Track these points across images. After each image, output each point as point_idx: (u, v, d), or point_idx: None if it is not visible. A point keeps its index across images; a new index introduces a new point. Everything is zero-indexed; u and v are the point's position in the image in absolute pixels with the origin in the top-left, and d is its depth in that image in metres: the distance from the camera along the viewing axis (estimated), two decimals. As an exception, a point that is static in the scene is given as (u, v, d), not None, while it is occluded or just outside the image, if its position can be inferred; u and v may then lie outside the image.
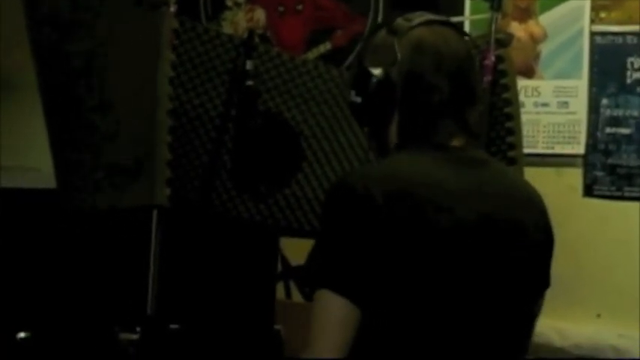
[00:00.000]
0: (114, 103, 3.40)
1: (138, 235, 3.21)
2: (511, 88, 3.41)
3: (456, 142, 2.02)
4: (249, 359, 3.34)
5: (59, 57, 3.46)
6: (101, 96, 3.41)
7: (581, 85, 4.06)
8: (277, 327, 3.42)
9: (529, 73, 4.14)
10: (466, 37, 2.11)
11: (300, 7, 4.55)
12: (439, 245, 1.87)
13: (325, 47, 4.48)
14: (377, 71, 2.01)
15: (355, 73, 2.09)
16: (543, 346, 3.80)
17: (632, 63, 3.98)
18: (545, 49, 4.13)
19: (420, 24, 2.03)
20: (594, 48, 4.04)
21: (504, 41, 3.43)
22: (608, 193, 4.01)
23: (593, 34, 4.04)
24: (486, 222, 1.94)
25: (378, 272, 1.83)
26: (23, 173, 3.74)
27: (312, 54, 4.46)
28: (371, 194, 1.85)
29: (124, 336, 3.08)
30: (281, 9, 4.58)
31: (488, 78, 3.34)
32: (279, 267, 3.86)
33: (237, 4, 4.64)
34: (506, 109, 3.40)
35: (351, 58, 4.33)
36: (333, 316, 1.84)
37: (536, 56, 4.14)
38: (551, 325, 3.87)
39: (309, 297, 1.90)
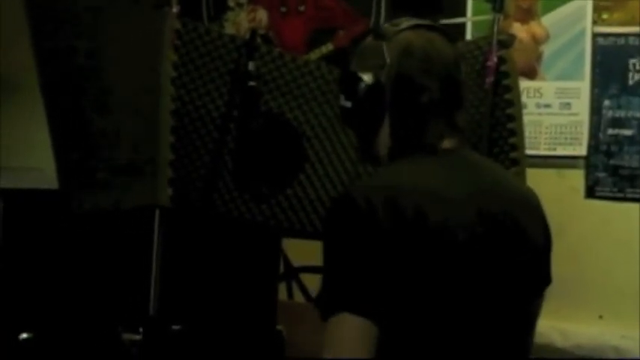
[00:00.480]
0: (116, 103, 3.40)
1: (140, 236, 3.21)
2: (513, 89, 3.41)
3: (448, 144, 2.03)
4: (251, 360, 3.35)
5: (61, 57, 3.46)
6: (103, 96, 3.42)
7: (583, 86, 4.06)
8: (279, 327, 3.42)
9: (531, 74, 4.14)
10: (453, 42, 2.11)
11: (302, 7, 4.56)
12: (443, 252, 1.88)
13: (327, 48, 4.48)
14: (366, 75, 2.02)
15: (344, 78, 2.10)
16: (546, 347, 3.80)
17: (634, 64, 3.98)
18: (547, 50, 4.13)
19: (408, 28, 2.05)
20: (596, 49, 4.04)
21: (506, 42, 3.43)
22: (610, 195, 4.01)
23: (595, 35, 4.05)
24: (487, 225, 1.95)
25: (389, 286, 1.83)
26: (25, 174, 3.74)
27: (314, 54, 4.46)
28: (374, 207, 1.85)
29: (127, 336, 3.08)
30: (283, 9, 4.58)
31: (490, 79, 3.34)
32: (281, 268, 3.86)
33: (240, 5, 4.64)
34: (509, 111, 3.40)
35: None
36: (357, 337, 1.83)
37: (539, 57, 4.14)
38: (554, 326, 3.87)
39: (324, 320, 1.88)
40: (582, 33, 4.06)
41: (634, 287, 3.88)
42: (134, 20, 3.40)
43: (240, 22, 4.63)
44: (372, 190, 1.91)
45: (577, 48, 4.06)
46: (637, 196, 3.96)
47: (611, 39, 4.02)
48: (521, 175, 3.35)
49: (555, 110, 4.11)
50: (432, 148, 2.01)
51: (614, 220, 4.00)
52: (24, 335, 3.15)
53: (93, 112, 3.45)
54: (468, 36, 4.13)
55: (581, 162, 4.06)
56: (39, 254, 3.31)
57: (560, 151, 4.09)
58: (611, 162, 4.00)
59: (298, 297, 4.00)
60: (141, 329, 3.09)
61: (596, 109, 4.03)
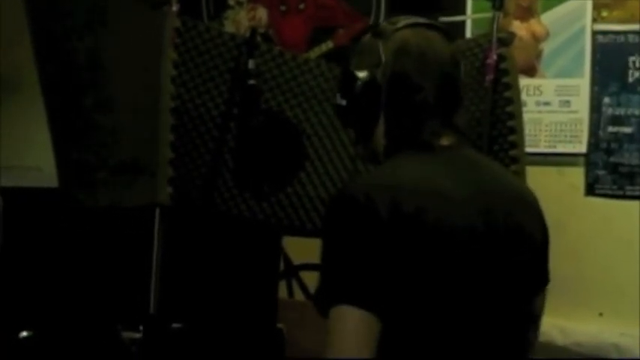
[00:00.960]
0: (116, 102, 3.40)
1: (140, 234, 3.21)
2: (513, 86, 3.41)
3: (445, 141, 2.02)
4: (252, 358, 3.34)
5: (61, 56, 3.47)
6: (103, 95, 3.42)
7: (583, 83, 4.06)
8: (279, 326, 3.42)
9: (531, 71, 4.14)
10: (451, 40, 2.11)
11: (302, 5, 4.55)
12: (442, 248, 1.88)
13: (327, 46, 4.48)
14: (362, 74, 2.02)
15: (341, 76, 2.10)
16: (545, 345, 3.80)
17: (634, 62, 3.98)
18: (547, 47, 4.13)
19: (405, 26, 2.04)
20: (596, 47, 4.04)
21: (506, 40, 3.43)
22: (610, 192, 4.01)
23: (594, 32, 4.04)
24: (485, 222, 1.95)
25: (389, 279, 1.83)
26: (25, 172, 3.74)
27: (314, 53, 4.46)
28: (373, 203, 1.85)
29: (127, 335, 3.08)
30: (283, 8, 4.58)
31: (490, 77, 3.34)
32: (282, 266, 3.86)
33: (239, 3, 4.64)
34: (508, 108, 3.40)
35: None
36: (357, 330, 1.83)
37: (538, 55, 4.14)
38: (554, 324, 3.87)
39: (324, 315, 1.87)
40: (582, 31, 4.06)
41: (634, 285, 3.89)
42: (134, 19, 3.41)
43: (240, 20, 4.63)
44: (371, 186, 1.91)
45: (577, 46, 4.06)
46: (637, 193, 3.96)
47: (611, 36, 4.02)
48: (521, 173, 3.35)
49: (555, 108, 4.11)
50: (428, 146, 2.00)
51: (614, 218, 4.00)
52: (24, 333, 3.15)
53: (93, 111, 3.46)
54: (468, 34, 4.13)
55: (581, 159, 4.06)
56: (39, 253, 3.31)
57: (560, 149, 4.09)
58: (611, 159, 4.00)
59: (298, 295, 4.00)
60: (141, 327, 3.09)
61: (595, 107, 4.03)
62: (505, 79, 3.40)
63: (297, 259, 3.96)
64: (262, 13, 4.62)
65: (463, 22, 4.13)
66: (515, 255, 1.98)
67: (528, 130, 3.84)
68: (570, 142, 4.07)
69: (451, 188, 1.94)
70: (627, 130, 3.99)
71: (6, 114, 4.15)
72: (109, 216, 3.30)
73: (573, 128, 4.07)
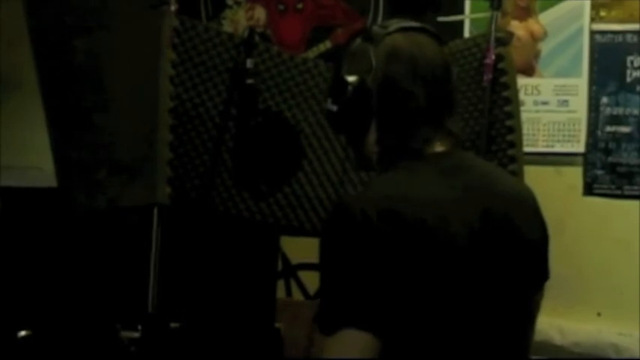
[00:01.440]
0: (115, 102, 3.40)
1: (139, 234, 3.22)
2: (511, 86, 3.41)
3: (438, 147, 2.01)
4: (250, 357, 3.34)
5: (60, 56, 3.47)
6: (102, 95, 3.42)
7: (581, 83, 4.06)
8: (278, 325, 3.43)
9: (529, 71, 4.14)
10: (444, 45, 2.08)
11: (300, 5, 4.56)
12: (442, 259, 1.87)
13: (325, 46, 4.48)
14: (352, 79, 2.00)
15: (332, 81, 2.09)
16: (544, 345, 3.80)
17: (632, 61, 3.98)
18: (545, 47, 4.13)
19: (396, 31, 2.02)
20: (594, 46, 4.04)
21: (504, 40, 3.44)
22: (608, 192, 4.01)
23: (593, 32, 4.04)
24: (484, 228, 1.93)
25: (390, 297, 1.82)
26: (24, 172, 3.74)
27: (312, 52, 4.46)
28: (369, 220, 1.83)
29: (125, 334, 3.08)
30: (281, 7, 4.58)
31: (488, 76, 3.35)
32: (280, 265, 3.86)
33: (238, 3, 4.64)
34: (506, 108, 3.41)
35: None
36: (362, 353, 1.81)
37: (536, 55, 4.14)
38: (552, 324, 3.87)
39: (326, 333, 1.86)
40: (580, 30, 4.06)
41: (632, 285, 3.88)
42: (132, 19, 3.41)
43: (239, 20, 4.63)
44: (367, 201, 1.88)
45: (575, 45, 4.06)
46: (635, 193, 3.96)
47: (609, 36, 4.02)
48: (519, 173, 3.36)
49: (553, 107, 4.10)
50: (421, 153, 1.99)
51: (612, 218, 4.00)
52: (22, 333, 3.16)
53: (92, 110, 3.46)
54: (466, 33, 4.12)
55: (579, 159, 4.06)
56: (38, 252, 3.31)
57: (558, 149, 4.09)
58: (609, 159, 4.00)
59: (297, 294, 4.00)
60: (139, 327, 3.09)
61: (594, 107, 4.03)
62: (503, 79, 3.40)
63: (295, 259, 3.96)
64: (260, 13, 4.62)
65: (461, 22, 4.13)
66: (513, 257, 1.98)
67: (526, 129, 3.85)
68: (568, 141, 4.07)
69: (447, 196, 1.93)
70: (625, 129, 3.99)
71: (6, 114, 4.15)
72: (108, 215, 3.31)
73: (571, 128, 4.07)
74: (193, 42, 3.36)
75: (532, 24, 4.14)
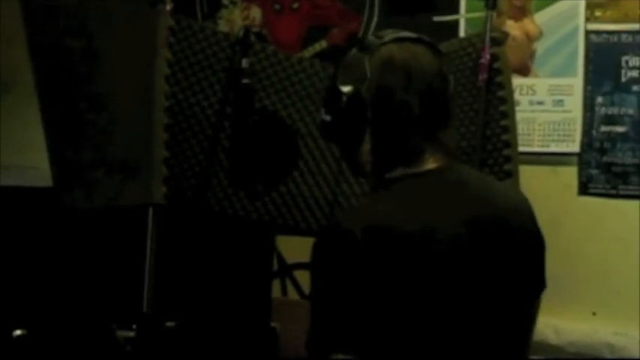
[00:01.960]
0: (110, 101, 3.40)
1: (134, 233, 3.22)
2: (506, 86, 3.41)
3: (432, 163, 2.00)
4: (246, 357, 3.35)
5: (56, 55, 3.47)
6: (97, 94, 3.42)
7: (576, 83, 4.07)
8: (273, 324, 3.43)
9: (524, 71, 4.15)
10: (439, 55, 2.07)
11: (296, 5, 4.56)
12: (429, 277, 1.86)
13: (321, 45, 4.49)
14: (347, 89, 2.00)
15: (326, 91, 2.08)
16: (539, 344, 3.81)
17: (627, 61, 3.99)
18: (540, 47, 4.14)
19: (391, 41, 2.01)
20: (589, 46, 4.05)
21: (499, 39, 3.44)
22: (603, 192, 4.02)
23: (588, 32, 4.05)
24: (472, 244, 1.92)
25: (378, 318, 1.82)
26: (21, 171, 3.74)
27: (308, 52, 4.47)
28: (356, 243, 1.83)
29: (121, 333, 3.08)
30: (277, 7, 4.59)
31: (483, 76, 3.35)
32: (275, 265, 3.87)
33: (233, 2, 4.65)
34: (502, 108, 3.41)
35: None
36: None
37: (532, 54, 4.15)
38: (547, 323, 3.88)
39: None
40: (575, 30, 4.07)
41: (628, 284, 3.89)
42: (128, 18, 3.41)
43: (234, 19, 4.64)
44: (354, 221, 1.88)
45: (570, 45, 4.07)
46: (630, 193, 3.97)
47: (604, 36, 4.03)
48: (515, 172, 3.36)
49: (548, 107, 4.11)
50: (413, 171, 1.98)
51: (608, 217, 4.01)
52: (18, 332, 3.15)
53: (87, 110, 3.46)
54: (461, 33, 4.13)
55: (575, 159, 4.07)
56: (33, 251, 3.31)
57: (554, 148, 4.10)
58: (605, 159, 4.01)
59: (292, 294, 4.01)
60: (135, 326, 3.09)
61: (589, 106, 4.04)
62: (498, 79, 3.40)
63: (290, 259, 3.97)
64: (256, 13, 4.62)
65: (456, 22, 4.14)
66: (508, 272, 1.97)
67: (522, 129, 3.86)
68: (564, 141, 4.08)
69: (437, 217, 1.92)
70: (620, 129, 4.00)
71: (4, 113, 4.16)
72: (103, 215, 3.30)
73: (567, 127, 4.08)
74: (189, 41, 3.36)
75: (527, 24, 4.15)
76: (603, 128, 4.02)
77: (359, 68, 2.00)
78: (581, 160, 4.05)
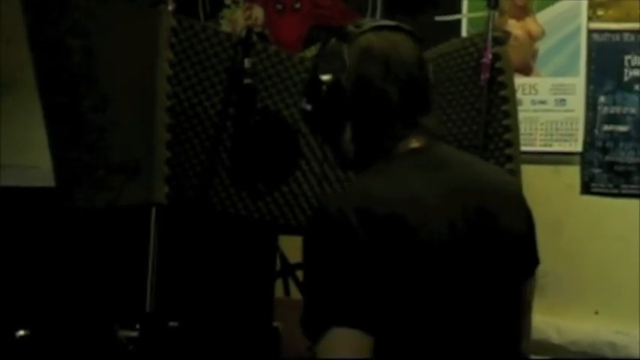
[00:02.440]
0: (112, 101, 3.40)
1: (136, 233, 3.22)
2: (508, 85, 3.42)
3: (414, 144, 2.01)
4: (248, 356, 3.35)
5: (58, 56, 3.47)
6: (100, 94, 3.42)
7: (578, 82, 4.07)
8: (276, 324, 3.43)
9: (526, 70, 4.14)
10: (419, 43, 2.06)
11: (298, 5, 4.56)
12: (423, 254, 1.86)
13: (323, 45, 4.48)
14: (326, 78, 2.01)
15: (307, 81, 2.09)
16: (541, 343, 3.81)
17: (629, 60, 3.99)
18: (542, 46, 4.14)
19: (369, 30, 2.02)
20: (592, 46, 4.05)
21: (501, 39, 3.44)
22: (605, 191, 4.02)
23: (590, 31, 4.05)
24: (462, 220, 1.93)
25: (375, 294, 1.82)
26: (23, 171, 3.74)
27: (309, 52, 4.46)
28: (348, 220, 1.83)
29: (124, 333, 3.09)
30: (279, 7, 4.59)
31: (485, 76, 3.35)
32: (278, 264, 3.86)
33: (236, 3, 4.65)
34: (504, 107, 3.41)
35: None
36: (353, 351, 1.81)
37: (534, 54, 4.15)
38: (549, 322, 3.87)
39: (313, 340, 1.86)
40: (577, 29, 4.06)
41: (630, 283, 3.89)
42: (130, 18, 3.41)
43: (236, 19, 4.64)
44: (344, 201, 1.90)
45: (572, 44, 4.07)
46: (632, 192, 3.96)
47: (606, 35, 4.02)
48: (517, 172, 3.36)
49: (551, 107, 4.11)
50: (396, 151, 1.99)
51: (610, 216, 4.01)
52: (21, 332, 3.16)
53: (89, 110, 3.46)
54: (464, 33, 4.13)
55: (577, 158, 4.07)
56: (36, 251, 3.31)
57: (556, 148, 4.10)
58: (607, 158, 4.01)
59: (295, 294, 4.00)
60: (137, 326, 3.10)
61: (591, 106, 4.04)
62: (500, 78, 3.40)
63: (293, 258, 3.96)
64: (258, 13, 4.62)
65: (459, 21, 4.14)
66: (498, 248, 1.97)
67: (524, 128, 3.85)
68: (566, 140, 4.08)
69: (424, 191, 1.92)
70: (623, 128, 4.00)
71: (4, 113, 4.16)
72: (106, 215, 3.31)
73: (569, 127, 4.07)
74: (191, 41, 3.36)
75: (529, 23, 4.15)
76: (605, 127, 4.02)
77: (338, 57, 2.00)
78: (584, 159, 4.05)
